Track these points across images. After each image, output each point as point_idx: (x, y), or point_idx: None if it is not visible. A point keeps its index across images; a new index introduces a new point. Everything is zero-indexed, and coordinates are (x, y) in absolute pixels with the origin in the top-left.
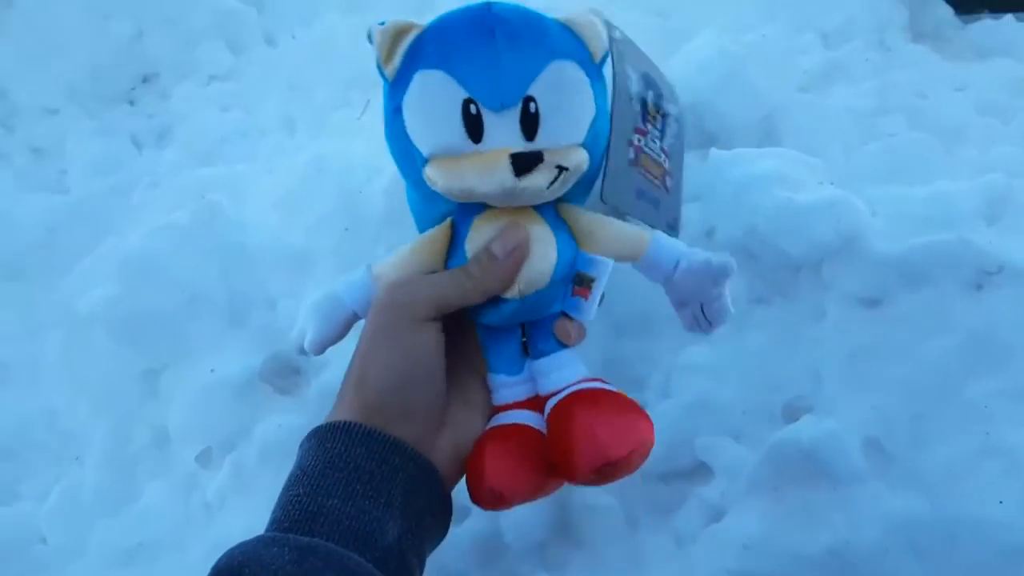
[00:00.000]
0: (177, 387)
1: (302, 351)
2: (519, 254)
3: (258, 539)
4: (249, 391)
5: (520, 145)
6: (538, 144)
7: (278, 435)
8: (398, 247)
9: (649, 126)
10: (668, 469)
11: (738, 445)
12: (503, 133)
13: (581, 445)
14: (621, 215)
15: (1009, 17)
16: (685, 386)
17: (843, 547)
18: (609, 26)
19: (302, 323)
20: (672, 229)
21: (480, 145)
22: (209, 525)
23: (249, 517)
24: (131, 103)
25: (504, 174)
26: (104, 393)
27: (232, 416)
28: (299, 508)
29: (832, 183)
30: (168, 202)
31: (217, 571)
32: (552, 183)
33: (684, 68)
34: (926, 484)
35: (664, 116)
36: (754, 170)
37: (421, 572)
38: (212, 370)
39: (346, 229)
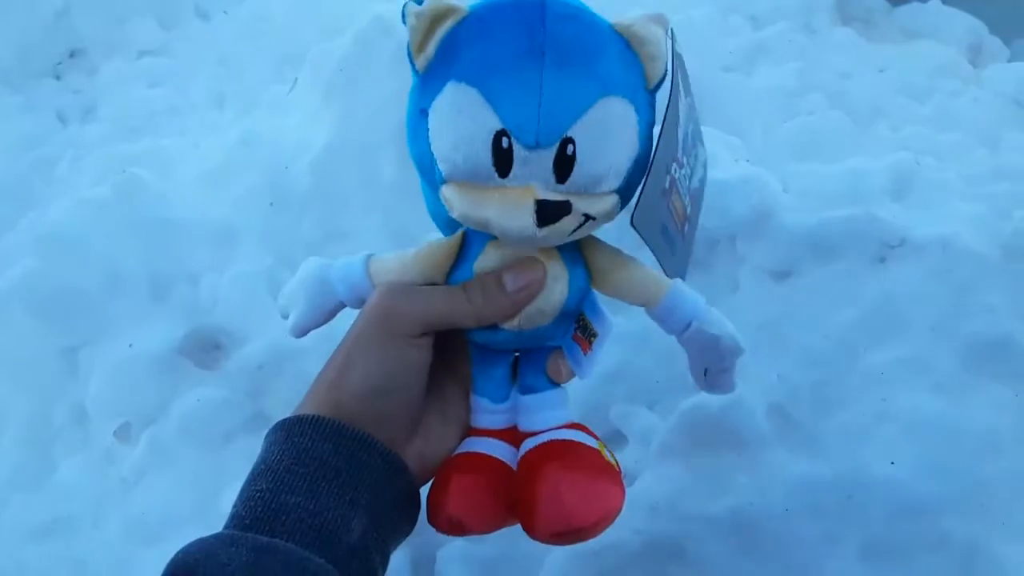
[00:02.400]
0: (96, 363)
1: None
2: (531, 292)
3: (216, 537)
4: (169, 366)
5: (549, 187)
6: (569, 187)
7: (197, 409)
8: (327, 227)
9: (685, 159)
10: None
11: (651, 413)
12: (533, 171)
13: (545, 507)
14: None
15: (936, 0)
16: (603, 355)
17: (747, 508)
18: (673, 38)
19: (287, 299)
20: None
21: (506, 180)
22: (125, 500)
23: (166, 491)
24: (57, 78)
25: (526, 220)
26: (23, 370)
27: (151, 391)
28: (261, 504)
29: (748, 160)
30: (91, 177)
31: (173, 567)
32: (576, 230)
33: None
34: (826, 447)
35: (696, 156)
36: None
37: (384, 569)
38: (130, 345)
39: (271, 204)
